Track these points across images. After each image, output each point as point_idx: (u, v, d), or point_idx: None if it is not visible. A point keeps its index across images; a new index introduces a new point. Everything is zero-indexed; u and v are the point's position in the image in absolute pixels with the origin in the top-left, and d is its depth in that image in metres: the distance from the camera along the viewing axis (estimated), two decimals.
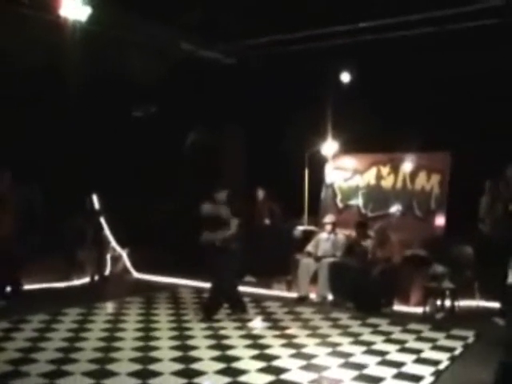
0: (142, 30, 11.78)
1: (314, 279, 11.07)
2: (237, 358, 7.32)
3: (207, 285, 9.99)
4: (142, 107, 14.14)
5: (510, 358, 5.50)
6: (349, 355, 7.55)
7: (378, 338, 8.38)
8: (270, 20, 11.65)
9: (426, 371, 6.93)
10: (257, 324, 9.18)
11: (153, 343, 7.94)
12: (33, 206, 10.54)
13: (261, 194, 13.36)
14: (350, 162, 13.23)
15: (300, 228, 12.97)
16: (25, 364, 6.96)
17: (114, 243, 13.41)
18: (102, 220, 13.08)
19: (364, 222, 11.59)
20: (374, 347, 7.95)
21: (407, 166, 12.33)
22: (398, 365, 7.18)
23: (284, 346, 7.95)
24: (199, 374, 6.73)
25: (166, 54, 12.87)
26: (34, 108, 11.44)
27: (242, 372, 6.80)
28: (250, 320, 9.40)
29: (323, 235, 11.58)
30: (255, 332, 8.68)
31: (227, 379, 6.56)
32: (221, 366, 7.03)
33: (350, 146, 12.95)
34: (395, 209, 12.30)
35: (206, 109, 13.87)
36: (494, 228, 9.89)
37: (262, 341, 8.16)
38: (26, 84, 11.15)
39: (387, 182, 12.59)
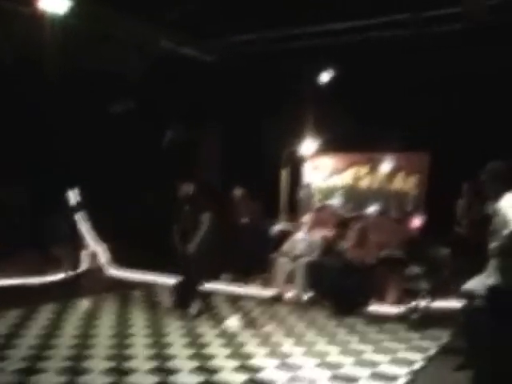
0: (121, 26, 11.68)
1: (290, 278, 11.06)
2: (212, 356, 7.29)
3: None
4: (121, 103, 14.04)
5: None
6: (325, 355, 7.54)
7: (354, 338, 8.40)
8: (250, 18, 11.62)
9: (402, 371, 6.95)
10: (232, 323, 9.15)
11: (128, 341, 7.88)
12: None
13: (238, 192, 13.31)
14: (329, 161, 13.26)
15: (277, 227, 12.95)
16: None
17: (89, 239, 13.29)
18: (78, 215, 12.97)
19: (344, 221, 11.62)
20: (350, 347, 7.96)
21: (386, 166, 12.37)
22: (374, 364, 7.19)
23: (259, 344, 7.93)
24: (174, 371, 6.69)
25: (145, 50, 12.80)
26: (11, 103, 11.31)
27: (217, 370, 6.77)
28: (225, 318, 9.37)
29: (300, 235, 11.57)
30: (231, 330, 8.66)
31: (202, 377, 6.52)
32: (196, 363, 6.99)
33: (328, 146, 12.97)
34: (373, 209, 12.32)
35: (184, 106, 13.82)
36: (470, 230, 9.95)
37: (237, 339, 8.14)
38: (1, 78, 11.01)
39: (365, 183, 12.63)
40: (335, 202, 12.94)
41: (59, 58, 10.82)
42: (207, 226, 9.39)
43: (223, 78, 13.43)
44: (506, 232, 5.21)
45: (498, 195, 5.42)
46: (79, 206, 12.89)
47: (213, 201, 9.96)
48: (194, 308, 9.42)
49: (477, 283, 5.71)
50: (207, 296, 9.79)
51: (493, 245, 5.40)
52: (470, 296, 5.78)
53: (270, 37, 12.48)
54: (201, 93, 13.54)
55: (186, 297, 9.52)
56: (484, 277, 5.57)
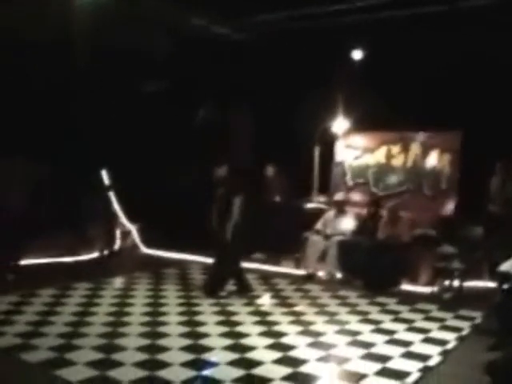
0: (151, 5, 11.69)
1: (322, 257, 11.07)
2: (245, 335, 7.35)
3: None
4: (153, 83, 14.06)
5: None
6: (357, 333, 7.56)
7: (386, 317, 8.39)
8: None
9: (434, 351, 6.95)
10: (265, 301, 9.20)
11: (161, 318, 7.97)
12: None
13: (270, 170, 13.33)
14: (361, 140, 13.17)
15: (309, 205, 12.95)
16: (34, 337, 7.00)
17: (123, 218, 13.42)
18: (112, 195, 13.09)
19: (377, 200, 11.58)
20: (382, 326, 7.96)
21: (418, 145, 12.26)
22: (406, 344, 7.19)
23: (292, 323, 7.98)
24: (207, 349, 6.77)
25: (176, 29, 12.78)
26: (43, 83, 11.40)
27: (250, 348, 6.84)
28: (258, 297, 9.43)
29: (333, 213, 11.56)
30: (263, 309, 8.71)
31: (235, 355, 6.59)
32: (228, 342, 7.06)
33: (360, 125, 12.89)
34: (405, 187, 12.25)
35: (216, 85, 13.81)
36: (504, 208, 9.87)
37: (269, 318, 8.19)
38: (35, 59, 11.09)
39: (397, 161, 12.52)
40: (368, 180, 12.86)
41: (89, 38, 10.87)
42: (239, 209, 9.41)
43: (255, 56, 13.39)
44: None
45: None
46: (111, 186, 13.00)
47: (246, 182, 9.95)
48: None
49: (510, 264, 5.66)
50: (242, 275, 9.80)
51: None
52: (504, 277, 5.73)
53: (300, 14, 12.39)
54: (232, 71, 13.51)
55: (219, 282, 9.58)
56: None
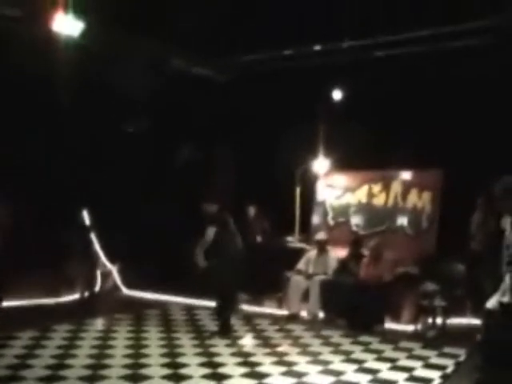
0: (133, 45, 11.78)
1: (304, 297, 11.03)
2: (227, 376, 7.26)
3: (197, 302, 9.97)
4: (134, 122, 14.10)
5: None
6: (340, 373, 7.51)
7: (370, 356, 8.34)
8: (262, 37, 11.68)
9: None
10: (247, 342, 9.11)
11: (143, 360, 7.87)
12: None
13: (252, 211, 13.34)
14: (342, 179, 13.24)
15: (291, 245, 12.94)
16: (14, 381, 6.87)
17: (104, 259, 13.33)
18: (92, 235, 13.01)
19: (358, 239, 11.59)
20: (366, 365, 7.91)
21: (399, 183, 12.34)
22: (390, 383, 7.14)
23: (275, 363, 7.90)
24: None
25: (157, 70, 12.87)
26: (24, 122, 11.39)
27: None
28: (240, 337, 9.35)
29: (314, 253, 11.55)
30: (246, 349, 8.63)
31: None
32: (211, 383, 6.97)
33: (341, 164, 12.98)
34: (386, 226, 12.29)
35: (197, 125, 13.88)
36: (485, 245, 9.90)
37: (252, 358, 8.11)
38: (16, 98, 11.10)
39: (379, 200, 12.59)
40: (349, 219, 12.90)
41: (72, 78, 10.91)
42: (235, 245, 9.44)
43: (236, 96, 13.49)
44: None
45: (511, 210, 5.35)
46: (92, 226, 12.93)
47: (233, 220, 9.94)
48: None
49: (495, 301, 5.64)
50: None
51: (506, 261, 5.31)
52: (488, 314, 5.71)
53: (281, 56, 12.53)
54: (213, 112, 13.59)
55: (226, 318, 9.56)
56: (499, 294, 5.48)
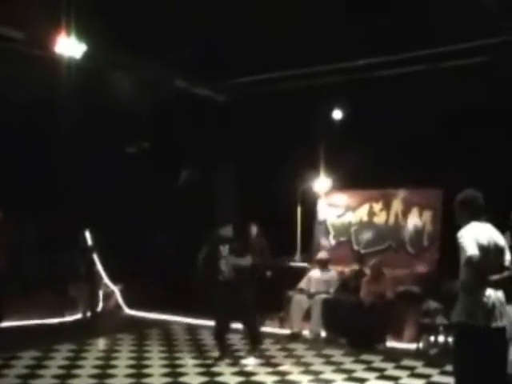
0: (135, 67, 11.88)
1: (306, 316, 11.03)
2: None
3: (199, 322, 9.98)
4: (135, 143, 14.19)
5: None
6: None
7: (372, 375, 8.34)
8: (262, 58, 11.76)
9: None
10: (250, 361, 9.09)
11: (145, 380, 7.88)
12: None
13: (254, 230, 13.35)
14: (343, 198, 13.28)
15: (293, 264, 12.97)
16: None
17: (106, 279, 13.35)
18: (95, 256, 13.04)
19: (359, 258, 11.64)
20: None
21: (399, 202, 12.37)
22: None
23: (277, 382, 7.91)
24: None
25: (159, 91, 12.96)
26: (27, 143, 11.48)
27: None
28: (242, 357, 9.34)
29: (316, 272, 11.56)
30: (248, 369, 8.62)
31: None
32: None
33: (342, 183, 13.03)
34: (387, 244, 12.31)
35: (198, 145, 13.95)
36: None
37: (254, 378, 8.11)
38: (19, 119, 11.19)
39: (380, 219, 12.61)
40: (350, 238, 12.92)
41: (74, 99, 11.00)
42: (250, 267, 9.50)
43: (237, 116, 13.57)
44: (461, 267, 5.13)
45: (466, 224, 5.34)
46: (94, 247, 12.96)
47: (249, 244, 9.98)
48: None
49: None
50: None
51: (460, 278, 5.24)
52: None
53: (281, 76, 12.62)
54: (214, 132, 13.67)
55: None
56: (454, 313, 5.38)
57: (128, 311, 13.34)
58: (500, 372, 5.10)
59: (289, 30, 10.55)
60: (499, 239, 5.25)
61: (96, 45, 10.25)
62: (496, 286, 5.11)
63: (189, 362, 8.86)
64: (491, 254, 5.11)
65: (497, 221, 5.51)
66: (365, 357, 9.41)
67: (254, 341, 9.49)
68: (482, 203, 5.37)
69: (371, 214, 12.74)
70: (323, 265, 11.51)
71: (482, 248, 5.04)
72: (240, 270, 9.28)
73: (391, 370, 8.63)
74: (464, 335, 5.10)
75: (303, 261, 13.09)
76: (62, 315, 12.01)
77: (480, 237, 5.12)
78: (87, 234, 12.94)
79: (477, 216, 5.30)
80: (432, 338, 9.85)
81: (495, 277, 5.09)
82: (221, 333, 9.42)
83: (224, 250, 9.48)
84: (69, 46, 9.72)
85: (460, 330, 5.16)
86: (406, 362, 9.06)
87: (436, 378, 8.23)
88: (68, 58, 9.93)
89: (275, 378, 8.14)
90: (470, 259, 4.97)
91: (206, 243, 9.54)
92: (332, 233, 13.23)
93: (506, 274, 5.12)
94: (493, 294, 5.07)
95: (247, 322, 9.45)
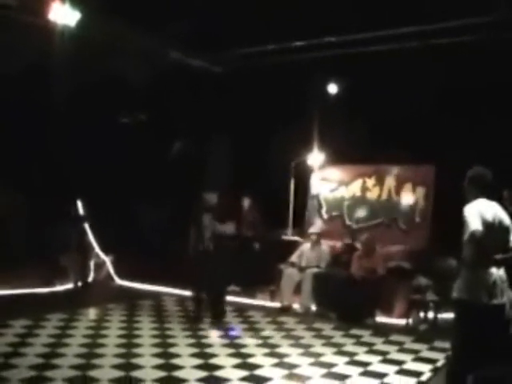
0: (130, 37, 11.77)
1: (297, 289, 11.07)
2: (219, 367, 7.29)
3: (189, 293, 10.05)
4: (130, 114, 14.11)
5: None
6: (331, 365, 7.54)
7: (361, 349, 8.38)
8: (258, 30, 11.67)
9: (409, 382, 6.96)
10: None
11: (135, 350, 7.89)
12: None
13: (246, 202, 13.34)
14: (336, 173, 13.27)
15: (285, 237, 12.98)
16: (5, 370, 6.88)
17: (97, 249, 13.35)
18: (87, 226, 13.02)
19: (352, 233, 11.71)
20: (357, 358, 7.95)
21: (392, 178, 12.37)
22: (381, 376, 7.18)
23: (267, 355, 7.94)
24: (181, 381, 6.71)
25: (154, 62, 12.86)
26: (20, 113, 11.39)
27: (224, 380, 6.79)
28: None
29: (307, 246, 11.57)
30: (238, 341, 8.65)
31: None
32: (203, 374, 7.00)
33: (335, 158, 13.02)
34: (379, 220, 12.33)
35: (193, 116, 13.89)
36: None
37: (244, 350, 8.14)
38: (12, 88, 11.09)
39: (372, 194, 12.62)
40: (343, 213, 12.93)
41: (67, 68, 10.91)
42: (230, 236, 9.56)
43: (231, 88, 13.49)
44: (464, 243, 5.12)
45: (473, 200, 5.34)
46: (86, 217, 12.94)
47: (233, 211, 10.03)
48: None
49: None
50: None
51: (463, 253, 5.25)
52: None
53: (277, 49, 12.54)
54: (210, 103, 13.60)
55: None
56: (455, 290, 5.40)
57: (119, 282, 13.35)
58: (500, 346, 5.14)
59: (285, 2, 10.46)
60: (505, 218, 5.25)
61: (91, 13, 10.14)
62: (499, 265, 5.13)
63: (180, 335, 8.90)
64: (496, 231, 5.12)
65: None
66: (354, 331, 9.46)
67: (215, 313, 9.62)
68: (490, 180, 5.36)
69: (364, 189, 12.74)
70: (315, 239, 11.51)
71: (486, 224, 5.04)
72: (221, 237, 9.39)
73: (380, 345, 8.68)
74: (464, 313, 5.13)
75: (295, 235, 13.10)
76: (53, 285, 12.03)
77: (485, 213, 5.12)
78: (79, 204, 12.91)
79: (485, 193, 5.29)
80: (422, 314, 9.91)
81: (499, 256, 5.09)
82: (195, 298, 9.79)
83: (206, 218, 9.57)
84: (63, 14, 9.64)
85: (460, 308, 5.19)
86: (395, 337, 9.12)
87: (425, 353, 8.28)
88: (62, 26, 9.83)
89: (265, 350, 8.16)
90: (473, 234, 4.96)
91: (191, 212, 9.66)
92: (325, 207, 13.24)
93: (511, 254, 5.14)
94: (495, 272, 5.09)
95: (211, 292, 9.58)
